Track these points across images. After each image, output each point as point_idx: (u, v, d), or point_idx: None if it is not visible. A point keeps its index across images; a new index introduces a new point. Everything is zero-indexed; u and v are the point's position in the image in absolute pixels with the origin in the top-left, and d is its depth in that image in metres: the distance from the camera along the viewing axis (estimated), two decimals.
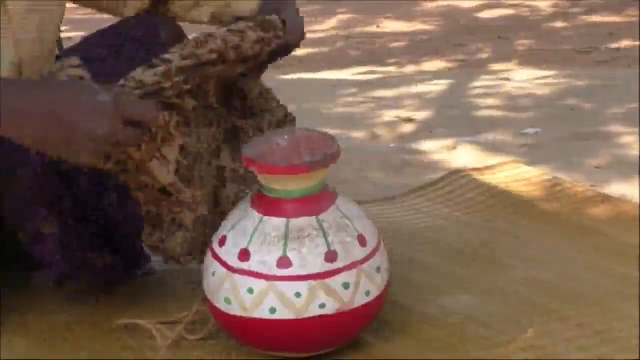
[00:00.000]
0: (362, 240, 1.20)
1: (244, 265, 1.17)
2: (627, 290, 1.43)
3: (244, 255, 1.17)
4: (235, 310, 1.18)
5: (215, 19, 1.48)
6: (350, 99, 3.29)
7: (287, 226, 1.18)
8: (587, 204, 1.86)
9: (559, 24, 5.74)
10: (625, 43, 4.84)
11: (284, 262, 1.16)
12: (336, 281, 1.16)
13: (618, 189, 2.01)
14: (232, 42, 1.27)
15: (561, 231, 1.72)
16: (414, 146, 2.50)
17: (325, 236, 1.17)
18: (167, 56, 1.21)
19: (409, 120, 2.82)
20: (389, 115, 2.91)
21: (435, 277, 1.50)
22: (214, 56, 1.25)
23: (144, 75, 1.17)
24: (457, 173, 2.09)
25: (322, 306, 1.15)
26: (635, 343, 1.25)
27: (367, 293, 1.19)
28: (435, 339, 1.29)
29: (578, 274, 1.51)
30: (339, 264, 1.16)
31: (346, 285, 1.16)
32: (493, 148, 2.42)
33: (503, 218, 1.82)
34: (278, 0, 1.42)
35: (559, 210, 1.83)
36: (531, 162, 2.20)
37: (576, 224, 1.75)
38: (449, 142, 2.50)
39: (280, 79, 3.81)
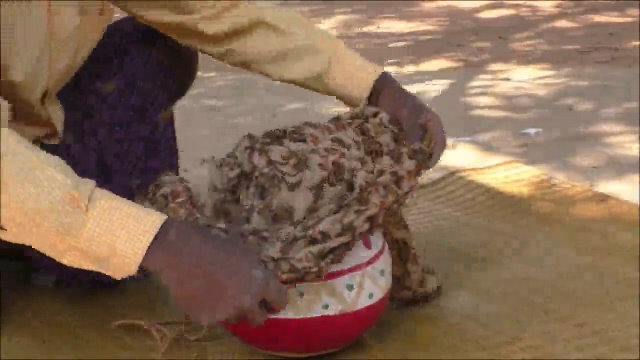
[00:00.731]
0: (366, 243, 1.20)
1: None
2: (626, 290, 1.43)
3: None
4: None
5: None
6: None
7: None
8: (586, 204, 1.86)
9: (559, 24, 5.74)
10: (626, 43, 4.84)
11: None
12: (340, 282, 1.16)
13: (617, 188, 2.01)
14: (390, 195, 1.17)
15: (560, 231, 1.72)
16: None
17: None
18: (322, 228, 1.10)
19: None
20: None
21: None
22: (367, 226, 1.15)
23: (297, 258, 1.08)
24: (456, 173, 2.10)
25: (325, 307, 1.16)
26: (635, 343, 1.25)
27: (371, 295, 1.19)
28: (435, 339, 1.30)
29: (577, 273, 1.51)
30: (342, 266, 1.16)
31: (350, 287, 1.17)
32: (492, 148, 2.42)
33: (502, 218, 1.82)
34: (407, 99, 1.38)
35: (558, 210, 1.83)
36: (530, 162, 2.20)
37: (575, 224, 1.76)
38: (449, 141, 2.49)
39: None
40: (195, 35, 1.44)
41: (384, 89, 1.38)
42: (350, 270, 1.17)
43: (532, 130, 2.58)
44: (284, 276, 1.07)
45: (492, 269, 1.55)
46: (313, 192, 1.16)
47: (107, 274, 1.00)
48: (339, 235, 1.11)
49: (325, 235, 1.11)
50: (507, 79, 3.61)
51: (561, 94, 3.12)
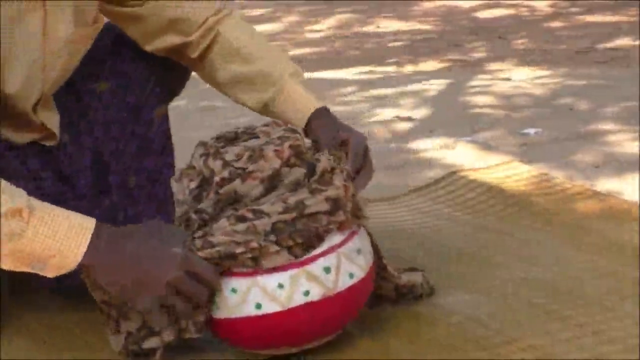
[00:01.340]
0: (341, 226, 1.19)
1: None
2: (626, 290, 1.43)
3: None
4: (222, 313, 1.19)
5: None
6: (349, 98, 3.29)
7: None
8: (586, 203, 1.86)
9: (557, 24, 5.74)
10: (624, 43, 4.84)
11: None
12: (316, 266, 1.16)
13: (617, 187, 2.01)
14: (350, 183, 1.21)
15: (560, 230, 1.72)
16: (413, 146, 2.50)
17: None
18: (256, 207, 1.15)
19: (408, 119, 2.82)
20: (388, 114, 2.91)
21: (435, 277, 1.49)
22: (327, 206, 1.17)
23: (214, 235, 1.14)
24: (456, 173, 2.09)
25: (306, 293, 1.15)
26: (635, 342, 1.25)
27: (351, 275, 1.18)
28: (435, 339, 1.29)
29: (577, 273, 1.51)
30: (316, 250, 1.16)
31: (327, 269, 1.16)
32: (492, 147, 2.42)
33: (502, 218, 1.82)
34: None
35: (558, 210, 1.83)
36: (530, 161, 2.20)
37: (575, 223, 1.75)
38: (448, 141, 2.50)
39: None
40: (182, 60, 1.49)
41: (319, 120, 1.39)
42: (325, 253, 1.16)
43: (531, 130, 2.58)
44: (201, 253, 1.13)
45: (492, 269, 1.55)
46: (266, 182, 1.18)
47: (42, 274, 1.14)
48: (282, 213, 1.13)
49: (259, 213, 1.13)
50: (506, 79, 3.61)
51: (560, 94, 3.12)
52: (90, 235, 1.12)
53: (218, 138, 1.26)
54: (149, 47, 1.47)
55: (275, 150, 1.19)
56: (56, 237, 1.11)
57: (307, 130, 1.38)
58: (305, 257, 1.15)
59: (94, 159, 1.37)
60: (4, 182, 1.12)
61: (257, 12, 7.39)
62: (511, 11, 6.35)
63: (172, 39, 1.45)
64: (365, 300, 1.26)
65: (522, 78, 3.62)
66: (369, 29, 6.09)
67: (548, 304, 1.39)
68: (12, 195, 1.11)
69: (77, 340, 1.36)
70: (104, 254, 1.13)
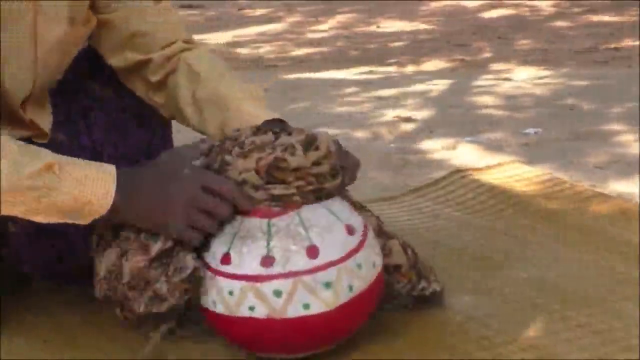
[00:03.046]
0: (311, 251, 1.17)
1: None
2: (627, 290, 1.43)
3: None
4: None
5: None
6: (351, 99, 3.29)
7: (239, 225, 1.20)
8: (587, 204, 1.86)
9: (559, 24, 5.75)
10: (626, 43, 4.84)
11: (226, 259, 1.18)
12: (268, 286, 1.15)
13: (618, 188, 2.01)
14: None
15: (561, 231, 1.72)
16: (415, 146, 2.50)
17: (269, 240, 1.17)
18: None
19: (409, 119, 2.82)
20: (390, 114, 2.91)
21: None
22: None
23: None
24: (457, 173, 2.09)
25: (252, 309, 1.15)
26: (635, 343, 1.25)
27: (306, 306, 1.15)
28: (435, 339, 1.29)
29: (578, 273, 1.51)
30: (273, 270, 1.15)
31: (277, 293, 1.15)
32: (493, 147, 2.43)
33: (503, 218, 1.82)
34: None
35: (559, 210, 1.83)
36: (531, 162, 2.20)
37: (576, 224, 1.75)
38: (450, 141, 2.50)
39: (281, 79, 3.81)
40: (139, 82, 1.46)
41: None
42: (282, 276, 1.15)
43: (533, 130, 2.58)
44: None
45: (493, 269, 1.55)
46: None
47: (77, 222, 1.21)
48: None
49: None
50: (508, 79, 3.61)
51: (562, 94, 3.12)
52: (115, 180, 1.19)
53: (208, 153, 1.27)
54: (112, 61, 1.46)
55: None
56: (86, 187, 1.18)
57: None
58: (259, 273, 1.15)
59: (92, 159, 1.37)
60: (25, 145, 1.20)
61: (257, 12, 7.40)
62: (513, 11, 6.36)
63: (133, 55, 1.43)
64: (369, 311, 1.25)
65: (524, 78, 3.63)
66: (371, 29, 6.09)
67: (549, 304, 1.39)
68: (39, 153, 1.18)
69: (78, 339, 1.36)
70: (128, 194, 1.20)
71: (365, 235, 1.22)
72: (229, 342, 1.26)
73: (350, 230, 1.20)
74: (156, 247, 1.21)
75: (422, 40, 5.50)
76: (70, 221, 1.21)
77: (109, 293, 1.25)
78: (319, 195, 1.21)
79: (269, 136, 1.22)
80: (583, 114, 2.78)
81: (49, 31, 1.32)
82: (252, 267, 1.16)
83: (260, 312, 1.15)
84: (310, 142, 1.20)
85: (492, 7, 6.54)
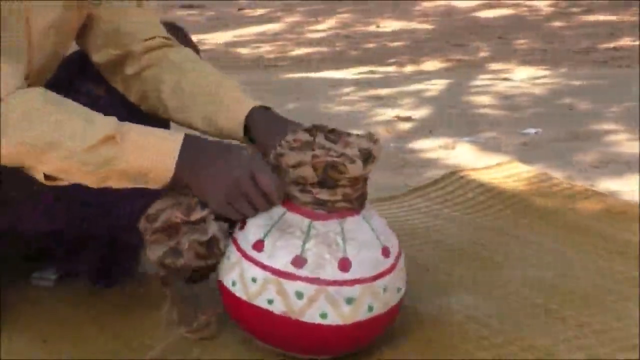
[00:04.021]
0: (343, 264, 1.17)
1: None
2: (626, 290, 1.43)
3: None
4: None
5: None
6: (350, 98, 3.29)
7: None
8: (585, 203, 1.86)
9: (558, 24, 5.75)
10: (624, 43, 4.84)
11: (258, 245, 1.19)
12: (292, 285, 1.16)
13: (617, 188, 2.01)
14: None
15: (560, 231, 1.72)
16: (414, 145, 2.50)
17: (305, 241, 1.17)
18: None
19: (409, 119, 2.82)
20: (389, 114, 2.91)
21: (435, 277, 1.50)
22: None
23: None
24: (456, 173, 2.10)
25: (270, 302, 1.16)
26: (635, 342, 1.25)
27: (323, 315, 1.15)
28: (435, 339, 1.30)
29: (577, 273, 1.51)
30: (302, 272, 1.16)
31: (299, 295, 1.15)
32: (492, 147, 2.43)
33: (502, 218, 1.82)
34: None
35: (558, 210, 1.84)
36: (530, 162, 2.20)
37: (575, 223, 1.76)
38: (449, 141, 2.50)
39: (281, 79, 3.81)
40: (118, 76, 1.47)
41: (257, 121, 1.37)
42: (355, 282, 1.16)
43: (532, 130, 2.58)
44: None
45: (492, 269, 1.55)
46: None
47: (146, 187, 1.25)
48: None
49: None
50: (507, 79, 3.62)
51: (560, 94, 3.12)
52: (177, 152, 1.22)
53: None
54: (95, 58, 1.46)
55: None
56: (149, 156, 1.22)
57: (251, 135, 1.37)
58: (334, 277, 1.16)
59: None
60: (90, 112, 1.23)
61: (257, 12, 7.40)
62: (512, 11, 6.36)
63: (114, 51, 1.44)
64: (379, 332, 1.24)
65: (522, 78, 3.63)
66: (370, 29, 6.10)
67: (548, 304, 1.39)
68: (103, 123, 1.21)
69: (78, 339, 1.36)
70: (190, 163, 1.23)
71: (397, 259, 1.23)
72: (233, 319, 1.26)
73: (386, 253, 1.21)
74: (198, 214, 1.23)
75: (421, 40, 5.51)
76: (140, 186, 1.25)
77: (143, 231, 1.27)
78: (361, 202, 1.22)
79: (319, 137, 1.22)
80: (581, 114, 2.78)
81: (42, 15, 1.32)
82: (283, 262, 1.16)
83: (277, 308, 1.16)
84: (368, 153, 1.20)
85: (491, 7, 6.55)
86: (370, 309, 1.17)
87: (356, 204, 1.21)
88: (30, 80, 1.36)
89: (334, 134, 1.23)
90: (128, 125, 1.22)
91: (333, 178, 1.18)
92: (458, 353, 1.25)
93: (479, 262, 1.58)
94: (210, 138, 1.31)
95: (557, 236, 1.70)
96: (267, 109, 1.37)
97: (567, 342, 1.26)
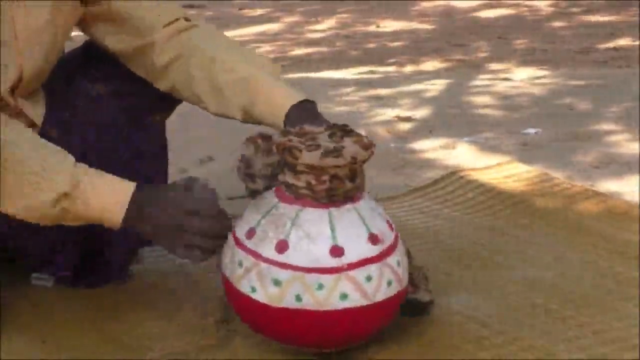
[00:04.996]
0: (336, 250, 1.17)
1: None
2: (626, 290, 1.43)
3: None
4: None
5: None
6: (350, 98, 3.29)
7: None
8: (585, 203, 1.86)
9: (558, 24, 5.75)
10: (624, 43, 4.84)
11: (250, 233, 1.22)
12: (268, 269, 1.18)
13: (617, 188, 2.01)
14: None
15: (560, 231, 1.72)
16: (414, 145, 2.50)
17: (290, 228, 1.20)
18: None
19: (409, 119, 2.82)
20: (389, 114, 2.90)
21: (435, 277, 1.49)
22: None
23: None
24: (456, 173, 2.09)
25: (298, 299, 1.17)
26: (635, 343, 1.25)
27: (298, 298, 1.16)
28: (435, 339, 1.29)
29: (577, 273, 1.51)
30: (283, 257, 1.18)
31: (276, 282, 1.17)
32: (492, 147, 2.42)
33: (502, 218, 1.82)
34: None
35: (558, 210, 1.83)
36: (530, 162, 2.20)
37: (575, 224, 1.76)
38: (448, 141, 2.50)
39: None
40: (145, 67, 1.46)
41: (295, 114, 1.37)
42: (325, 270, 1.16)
43: (532, 130, 2.58)
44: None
45: (492, 269, 1.55)
46: None
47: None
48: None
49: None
50: (507, 79, 3.61)
51: (560, 94, 3.12)
52: (127, 203, 1.26)
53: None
54: (115, 48, 1.45)
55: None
56: (100, 207, 1.26)
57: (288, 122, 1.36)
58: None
59: (82, 158, 1.36)
60: (48, 164, 1.25)
61: (257, 12, 7.40)
62: (512, 11, 6.36)
63: (135, 40, 1.43)
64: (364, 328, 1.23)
65: (522, 78, 3.62)
66: (370, 29, 6.09)
67: (548, 304, 1.39)
68: (58, 178, 1.24)
69: (77, 339, 1.36)
70: (138, 215, 1.27)
71: (390, 250, 1.21)
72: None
73: (338, 252, 1.18)
74: None
75: (421, 40, 5.50)
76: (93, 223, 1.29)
77: None
78: (330, 197, 1.21)
79: (319, 130, 1.24)
80: (581, 114, 2.78)
81: (30, 18, 1.31)
82: (241, 233, 1.22)
83: (259, 297, 1.17)
84: (335, 150, 1.19)
85: (491, 7, 6.54)
86: (344, 297, 1.16)
87: (320, 196, 1.20)
88: (24, 84, 1.36)
89: (345, 133, 1.23)
90: (82, 173, 1.26)
91: (289, 162, 1.20)
92: (458, 353, 1.25)
93: (479, 262, 1.58)
94: (162, 185, 1.39)
95: (557, 236, 1.70)
96: (310, 102, 1.39)
97: (567, 342, 1.26)
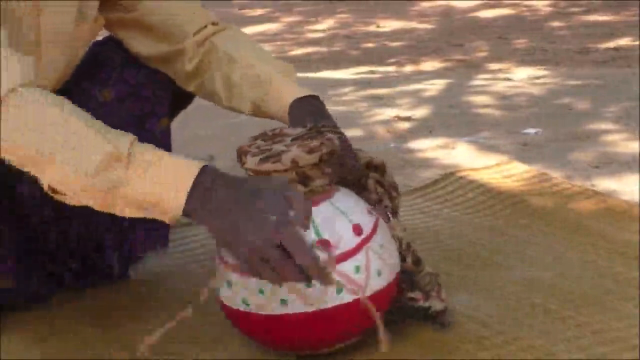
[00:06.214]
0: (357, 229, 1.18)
1: None
2: (626, 290, 1.43)
3: None
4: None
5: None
6: (349, 98, 3.29)
7: None
8: (585, 203, 1.86)
9: (557, 24, 5.75)
10: (624, 43, 4.84)
11: None
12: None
13: (617, 187, 2.01)
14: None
15: (560, 231, 1.72)
16: (413, 145, 2.50)
17: None
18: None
19: (409, 119, 2.82)
20: (388, 114, 2.91)
21: None
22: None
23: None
24: (456, 173, 2.10)
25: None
26: (635, 343, 1.25)
27: (284, 302, 1.15)
28: (435, 339, 1.30)
29: (577, 273, 1.51)
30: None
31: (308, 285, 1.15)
32: (492, 147, 2.42)
33: (502, 218, 1.82)
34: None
35: (557, 210, 1.83)
36: (530, 162, 2.20)
37: (574, 223, 1.76)
38: (448, 141, 2.50)
39: None
40: (174, 71, 1.48)
41: (298, 106, 1.37)
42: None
43: (531, 130, 2.58)
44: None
45: (492, 269, 1.55)
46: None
47: (156, 218, 1.11)
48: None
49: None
50: (507, 79, 3.61)
51: (560, 94, 3.12)
52: (190, 183, 1.09)
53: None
54: (145, 53, 1.47)
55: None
56: (156, 186, 1.09)
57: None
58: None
59: None
60: (104, 127, 1.11)
61: (257, 12, 7.40)
62: (511, 11, 6.36)
63: (165, 46, 1.45)
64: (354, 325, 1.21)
65: (521, 78, 3.63)
66: (370, 29, 6.10)
67: (548, 304, 1.39)
68: (113, 140, 1.09)
69: (78, 339, 1.36)
70: (202, 203, 1.09)
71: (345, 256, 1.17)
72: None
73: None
74: None
75: (420, 40, 5.51)
76: (148, 216, 1.12)
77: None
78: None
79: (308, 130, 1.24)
80: (581, 114, 2.78)
81: (54, 27, 1.32)
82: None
83: (252, 308, 1.17)
84: (275, 155, 1.18)
85: (491, 7, 6.55)
86: (284, 302, 1.15)
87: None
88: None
89: (319, 134, 1.23)
90: (142, 147, 1.11)
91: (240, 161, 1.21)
92: (458, 353, 1.25)
93: (478, 262, 1.58)
94: (236, 179, 1.14)
95: (557, 236, 1.70)
96: (314, 97, 1.38)
97: (566, 342, 1.26)
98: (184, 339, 1.32)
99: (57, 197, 1.13)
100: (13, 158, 1.12)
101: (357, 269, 1.16)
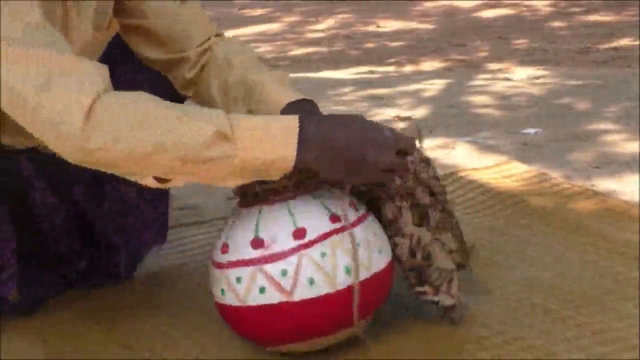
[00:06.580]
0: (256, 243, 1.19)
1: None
2: (626, 290, 1.43)
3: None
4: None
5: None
6: (349, 98, 3.29)
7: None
8: (585, 203, 1.86)
9: (558, 24, 5.75)
10: (624, 43, 4.84)
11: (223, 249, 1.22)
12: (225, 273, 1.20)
13: (617, 188, 2.01)
14: None
15: (560, 231, 1.72)
16: None
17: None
18: None
19: (409, 119, 2.82)
20: (388, 114, 2.91)
21: None
22: None
23: None
24: (455, 173, 2.10)
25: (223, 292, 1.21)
26: (635, 343, 1.25)
27: (262, 290, 1.18)
28: (435, 339, 1.30)
29: (577, 273, 1.51)
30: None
31: (238, 279, 1.18)
32: (492, 147, 2.43)
33: (502, 218, 1.82)
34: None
35: (557, 210, 1.83)
36: (530, 162, 2.20)
37: (574, 223, 1.76)
38: (448, 141, 2.50)
39: None
40: (174, 77, 1.49)
41: (290, 110, 1.37)
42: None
43: (531, 130, 2.58)
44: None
45: (493, 269, 1.55)
46: None
47: (267, 178, 1.17)
48: None
49: None
50: (506, 79, 3.61)
51: (560, 94, 3.12)
52: (296, 136, 1.14)
53: None
54: (151, 57, 1.48)
55: None
56: (265, 148, 1.13)
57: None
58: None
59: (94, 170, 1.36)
60: (194, 109, 1.16)
61: (257, 12, 7.40)
62: (511, 11, 6.36)
63: (169, 54, 1.46)
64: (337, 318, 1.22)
65: (521, 78, 3.63)
66: (370, 29, 6.10)
67: (548, 304, 1.39)
68: (212, 119, 1.13)
69: (78, 339, 1.37)
70: (315, 147, 1.15)
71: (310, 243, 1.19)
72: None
73: (258, 244, 1.19)
74: None
75: (420, 40, 5.51)
76: (260, 179, 1.18)
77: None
78: (246, 201, 1.24)
79: None
80: (581, 114, 2.78)
81: (78, 34, 1.33)
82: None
83: (229, 300, 1.20)
84: None
85: (491, 7, 6.55)
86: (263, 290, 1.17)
87: (244, 198, 1.24)
88: None
89: None
90: (236, 117, 1.15)
91: None
92: (458, 353, 1.25)
93: (478, 263, 1.58)
94: (333, 116, 1.22)
95: (557, 236, 1.70)
96: (308, 101, 1.40)
97: (566, 342, 1.26)
98: (184, 339, 1.32)
99: (162, 186, 1.18)
100: (124, 159, 1.13)
101: (284, 272, 1.17)
